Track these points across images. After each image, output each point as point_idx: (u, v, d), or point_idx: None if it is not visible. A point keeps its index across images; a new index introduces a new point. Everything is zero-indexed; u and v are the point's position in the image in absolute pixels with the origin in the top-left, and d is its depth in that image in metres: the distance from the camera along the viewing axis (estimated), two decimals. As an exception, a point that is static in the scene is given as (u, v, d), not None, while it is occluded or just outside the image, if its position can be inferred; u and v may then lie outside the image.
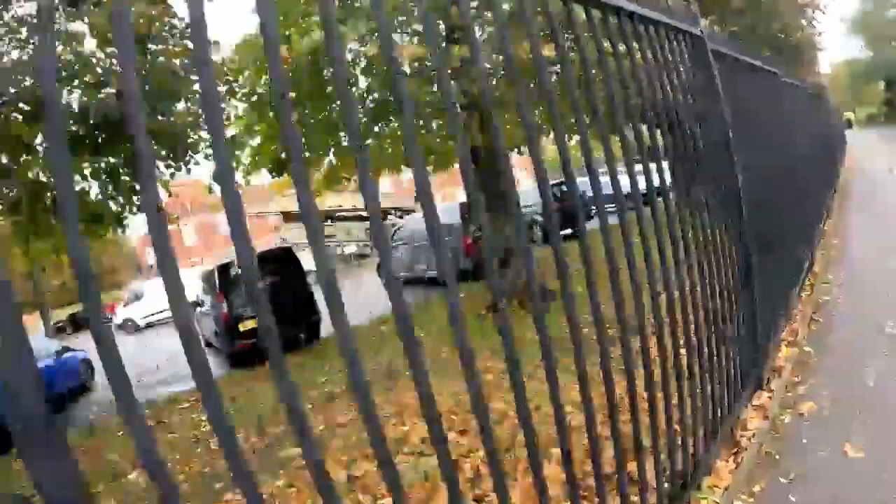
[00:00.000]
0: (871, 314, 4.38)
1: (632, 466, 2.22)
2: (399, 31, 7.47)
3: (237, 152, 7.97)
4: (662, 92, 2.72)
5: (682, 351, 2.55)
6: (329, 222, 27.44)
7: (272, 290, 10.80)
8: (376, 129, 8.61)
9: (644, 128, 2.52)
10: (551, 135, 2.33)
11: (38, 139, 6.59)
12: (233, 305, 10.60)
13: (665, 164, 2.70)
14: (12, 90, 6.18)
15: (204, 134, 7.93)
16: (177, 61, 7.25)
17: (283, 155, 7.95)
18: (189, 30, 7.61)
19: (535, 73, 2.01)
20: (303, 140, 7.87)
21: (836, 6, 50.96)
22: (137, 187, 8.28)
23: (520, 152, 9.43)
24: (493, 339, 6.47)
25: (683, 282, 2.59)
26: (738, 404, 3.15)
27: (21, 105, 6.34)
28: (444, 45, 6.21)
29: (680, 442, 2.52)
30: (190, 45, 7.63)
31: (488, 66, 7.30)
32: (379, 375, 6.69)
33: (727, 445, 2.94)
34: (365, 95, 7.91)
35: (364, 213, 23.43)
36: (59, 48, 6.47)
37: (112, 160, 7.31)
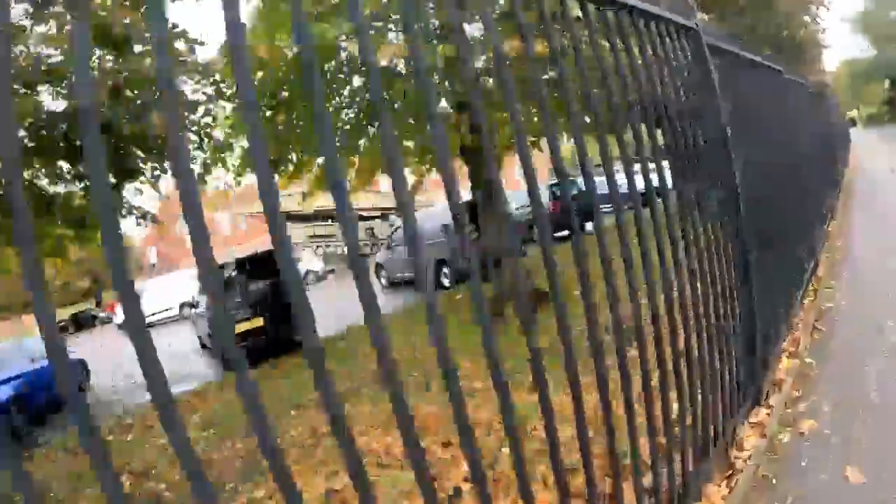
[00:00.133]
0: (877, 322, 4.20)
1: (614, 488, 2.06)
2: (394, 28, 7.30)
3: (225, 154, 7.82)
4: (652, 87, 2.56)
5: (672, 363, 2.39)
6: (329, 222, 27.35)
7: (267, 292, 10.67)
8: (371, 128, 8.45)
9: (636, 125, 2.37)
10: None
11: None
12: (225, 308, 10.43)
13: (657, 164, 2.55)
14: None
15: (191, 136, 7.78)
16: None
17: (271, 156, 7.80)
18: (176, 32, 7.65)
19: (527, 71, 1.92)
20: (290, 141, 7.74)
21: (840, 4, 50.68)
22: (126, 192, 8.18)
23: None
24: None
25: (673, 287, 2.42)
26: (733, 422, 2.97)
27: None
28: (433, 42, 6.04)
29: (666, 463, 2.35)
30: (179, 47, 7.50)
31: (479, 64, 7.13)
32: (368, 382, 6.54)
33: (721, 467, 2.77)
34: (356, 95, 7.74)
35: (364, 213, 23.43)
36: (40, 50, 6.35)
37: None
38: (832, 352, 3.98)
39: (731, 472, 2.75)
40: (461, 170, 8.74)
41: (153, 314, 26.45)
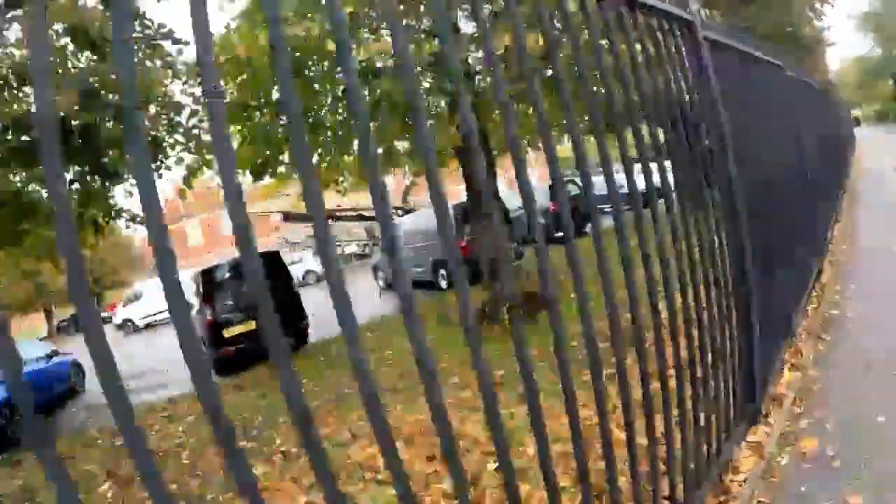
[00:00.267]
0: (885, 331, 3.99)
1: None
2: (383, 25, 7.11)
3: (210, 156, 7.63)
4: (641, 82, 2.38)
5: (659, 379, 2.20)
6: (330, 221, 27.23)
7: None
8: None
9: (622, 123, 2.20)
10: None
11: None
12: (217, 311, 10.30)
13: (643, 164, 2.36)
14: None
15: (179, 137, 7.62)
16: (148, 63, 6.94)
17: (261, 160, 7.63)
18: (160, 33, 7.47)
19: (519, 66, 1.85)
20: (281, 143, 7.55)
21: (844, 2, 50.34)
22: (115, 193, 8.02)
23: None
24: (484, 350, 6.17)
25: (656, 296, 2.23)
26: (729, 443, 2.78)
27: None
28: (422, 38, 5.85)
29: (652, 490, 2.17)
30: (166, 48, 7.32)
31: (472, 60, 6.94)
32: (355, 388, 6.35)
33: (714, 492, 2.57)
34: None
35: (365, 213, 23.17)
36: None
37: (77, 168, 7.02)
38: (837, 363, 3.78)
39: (724, 497, 2.56)
40: (459, 170, 8.54)
41: (153, 314, 26.38)
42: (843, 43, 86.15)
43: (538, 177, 29.22)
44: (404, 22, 6.63)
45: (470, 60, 7.41)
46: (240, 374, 9.63)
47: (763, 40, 6.59)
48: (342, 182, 9.45)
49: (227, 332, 10.11)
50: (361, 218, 26.07)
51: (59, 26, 6.28)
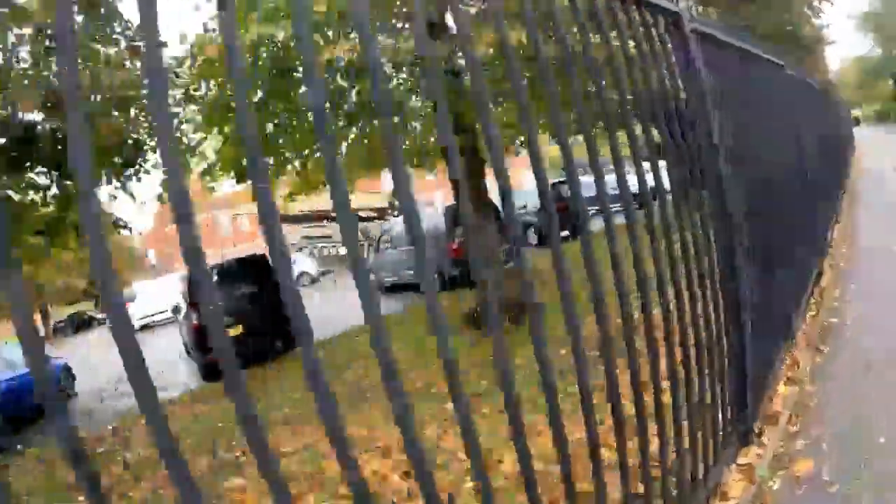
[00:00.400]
0: (887, 340, 3.80)
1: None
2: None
3: (193, 158, 7.47)
4: (620, 78, 2.20)
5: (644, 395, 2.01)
6: (325, 223, 27.03)
7: (247, 298, 10.31)
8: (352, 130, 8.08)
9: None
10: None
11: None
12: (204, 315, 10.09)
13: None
14: None
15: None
16: (128, 64, 6.75)
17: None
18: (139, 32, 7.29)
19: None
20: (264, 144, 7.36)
21: (845, 2, 50.13)
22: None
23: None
24: (467, 359, 5.98)
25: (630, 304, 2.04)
26: (717, 467, 2.58)
27: None
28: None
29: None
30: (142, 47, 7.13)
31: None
32: (339, 397, 6.16)
33: (701, 522, 2.37)
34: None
35: (361, 214, 23.12)
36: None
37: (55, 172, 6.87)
38: (836, 376, 3.57)
39: (712, 528, 2.36)
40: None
41: (150, 315, 26.22)
42: (844, 43, 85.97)
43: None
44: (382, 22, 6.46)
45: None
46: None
47: (763, 40, 6.42)
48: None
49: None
50: (359, 219, 25.95)
51: (28, 30, 6.10)
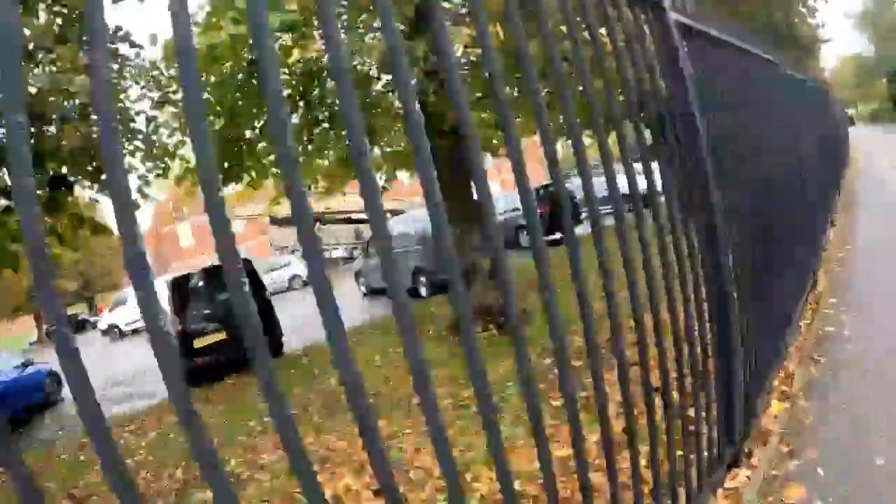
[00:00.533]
0: (886, 350, 3.61)
1: None
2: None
3: (172, 163, 7.30)
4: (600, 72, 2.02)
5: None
6: (318, 225, 26.89)
7: (229, 304, 10.11)
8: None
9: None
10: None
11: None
12: (188, 320, 9.92)
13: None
14: None
15: (139, 143, 7.27)
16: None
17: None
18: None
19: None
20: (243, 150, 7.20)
21: (842, 0, 50.17)
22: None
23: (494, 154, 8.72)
24: (454, 366, 5.78)
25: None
26: (703, 495, 2.39)
27: None
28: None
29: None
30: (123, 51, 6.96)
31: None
32: (317, 406, 5.97)
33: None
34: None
35: (353, 216, 22.89)
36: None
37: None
38: (833, 390, 3.38)
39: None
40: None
41: (140, 320, 25.95)
42: (840, 41, 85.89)
43: (501, 183, 28.98)
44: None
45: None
46: (213, 385, 9.29)
47: (760, 38, 6.25)
48: (312, 188, 9.10)
49: (198, 343, 9.72)
50: (350, 221, 25.70)
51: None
